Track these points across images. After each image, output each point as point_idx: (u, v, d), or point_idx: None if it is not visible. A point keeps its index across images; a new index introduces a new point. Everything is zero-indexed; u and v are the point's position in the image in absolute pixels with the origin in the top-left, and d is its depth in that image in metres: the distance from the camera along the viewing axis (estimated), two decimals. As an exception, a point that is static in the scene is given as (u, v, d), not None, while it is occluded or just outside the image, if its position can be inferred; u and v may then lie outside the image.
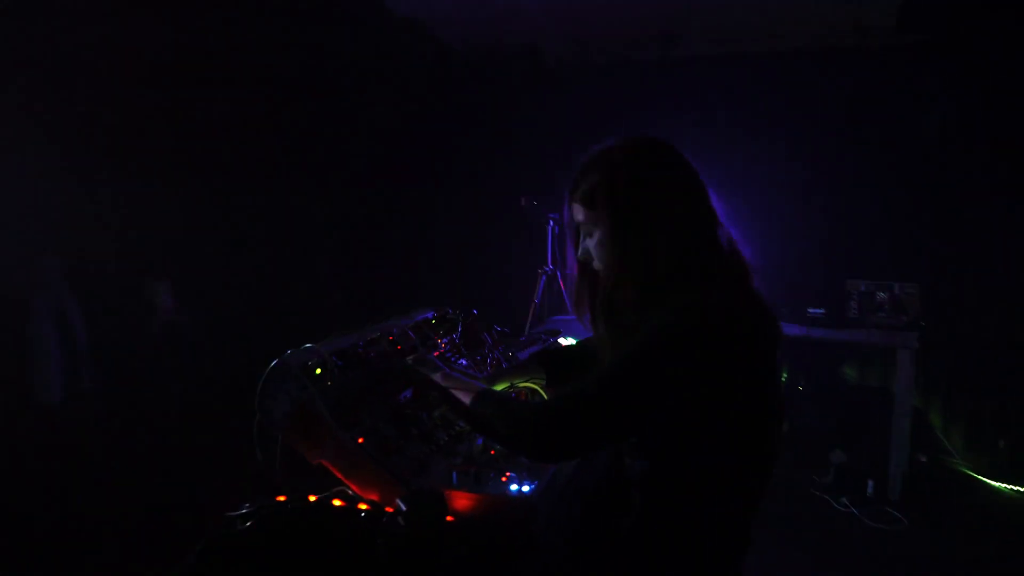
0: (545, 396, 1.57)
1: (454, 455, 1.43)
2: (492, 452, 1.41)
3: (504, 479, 1.28)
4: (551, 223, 3.51)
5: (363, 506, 1.28)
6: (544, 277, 3.50)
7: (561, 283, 3.55)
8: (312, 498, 1.30)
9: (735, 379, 1.17)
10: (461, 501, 1.23)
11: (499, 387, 1.61)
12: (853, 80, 4.35)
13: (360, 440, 1.30)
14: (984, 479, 4.15)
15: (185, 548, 1.43)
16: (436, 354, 1.66)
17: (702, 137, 4.03)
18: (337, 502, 1.29)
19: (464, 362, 1.71)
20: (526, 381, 1.59)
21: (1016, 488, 4.05)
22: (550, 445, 1.17)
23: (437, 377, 1.38)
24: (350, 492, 1.30)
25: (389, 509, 1.26)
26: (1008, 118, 4.01)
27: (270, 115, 3.76)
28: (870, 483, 3.82)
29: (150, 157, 3.26)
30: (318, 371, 1.35)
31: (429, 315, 1.81)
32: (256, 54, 3.59)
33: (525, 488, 1.25)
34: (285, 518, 1.22)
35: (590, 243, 1.36)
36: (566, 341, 2.42)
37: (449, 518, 1.21)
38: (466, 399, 1.33)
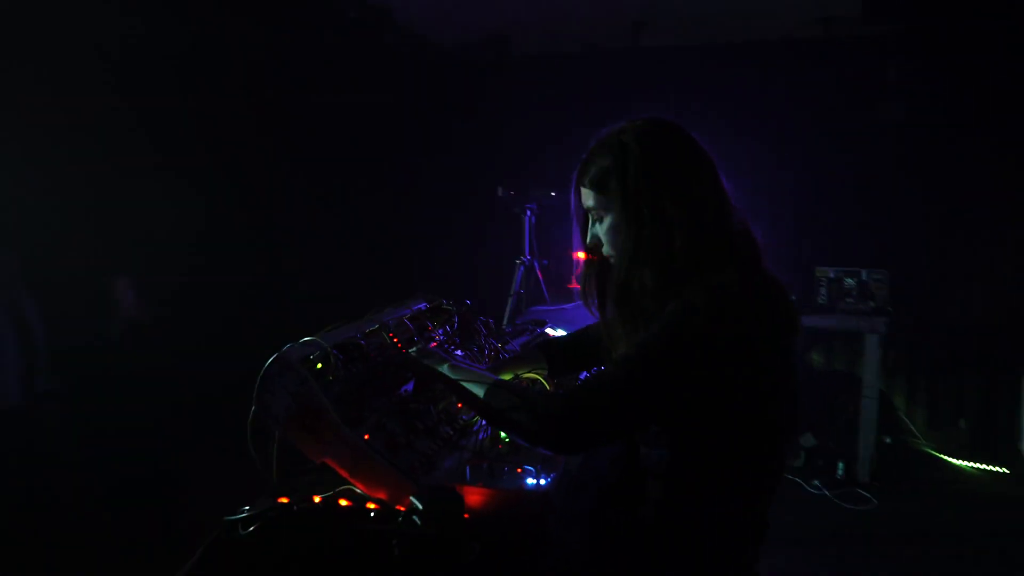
0: (548, 386, 1.54)
1: (461, 449, 1.39)
2: (500, 445, 1.37)
3: (519, 472, 1.24)
4: (528, 213, 3.48)
5: (371, 505, 1.22)
6: (522, 268, 3.47)
7: (539, 273, 3.52)
8: (317, 499, 1.24)
9: (759, 362, 1.15)
10: (475, 497, 1.19)
11: (503, 378, 1.58)
12: (820, 70, 4.42)
13: (367, 437, 1.24)
14: (946, 458, 4.29)
15: (174, 556, 1.36)
16: (432, 344, 1.61)
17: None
18: (344, 502, 1.23)
19: (460, 353, 1.66)
20: (529, 371, 1.55)
21: (976, 465, 4.19)
22: (577, 435, 1.14)
23: (444, 368, 1.33)
24: (357, 491, 1.24)
25: (400, 508, 1.21)
26: (971, 106, 4.13)
27: (235, 106, 3.63)
28: (840, 465, 3.91)
29: (110, 147, 3.11)
30: (319, 366, 1.29)
31: (423, 306, 1.76)
32: (223, 46, 3.46)
33: (541, 481, 1.22)
34: (291, 521, 1.16)
35: (600, 229, 1.33)
36: (553, 331, 2.39)
37: (465, 515, 1.16)
38: (474, 391, 1.28)
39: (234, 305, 3.70)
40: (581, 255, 4.92)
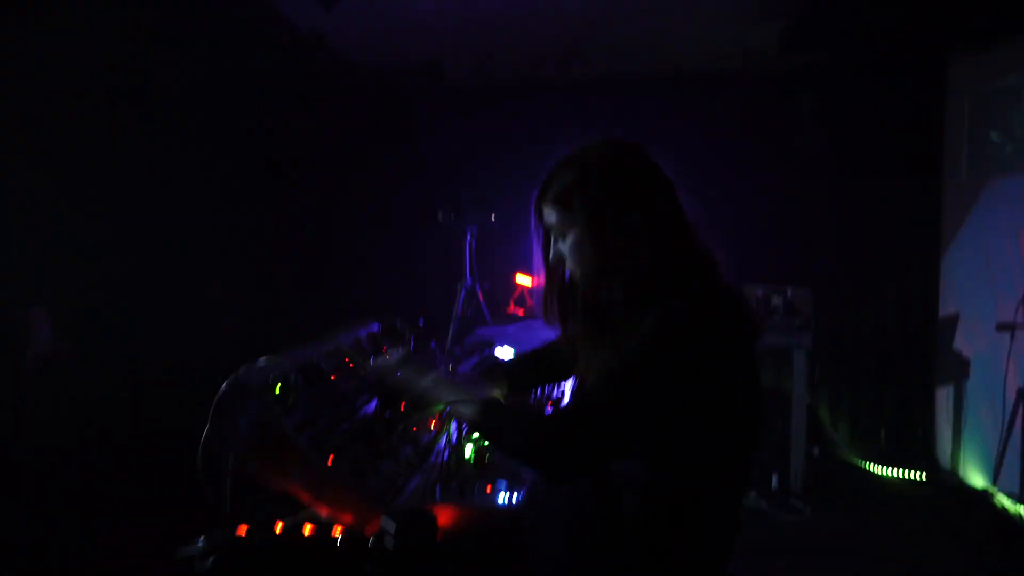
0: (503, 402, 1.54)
1: (426, 471, 1.36)
2: (464, 466, 1.35)
3: (488, 490, 1.22)
4: (468, 236, 3.48)
5: (337, 530, 1.18)
6: (464, 291, 3.46)
7: (480, 296, 3.52)
8: (279, 526, 1.18)
9: (734, 370, 1.18)
10: (447, 516, 1.16)
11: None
12: (743, 100, 4.64)
13: (330, 460, 1.20)
14: (869, 466, 4.49)
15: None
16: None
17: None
18: (308, 528, 1.18)
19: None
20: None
21: (896, 473, 4.41)
22: (574, 457, 1.12)
23: (429, 380, 1.31)
24: (322, 517, 1.20)
25: (368, 533, 1.18)
26: (880, 134, 4.44)
27: (163, 128, 3.50)
28: (774, 477, 4.04)
29: (21, 166, 2.93)
30: (278, 388, 1.24)
31: (375, 327, 1.72)
32: (151, 64, 3.34)
33: (512, 497, 1.20)
34: (255, 552, 1.10)
35: (562, 246, 1.35)
36: (500, 349, 2.40)
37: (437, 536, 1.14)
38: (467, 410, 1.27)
39: (163, 337, 3.53)
40: (520, 278, 4.93)
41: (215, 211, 3.76)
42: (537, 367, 1.67)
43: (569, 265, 1.35)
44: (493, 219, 3.50)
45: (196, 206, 3.67)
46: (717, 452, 1.20)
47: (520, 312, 4.48)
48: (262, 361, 1.28)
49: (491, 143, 4.67)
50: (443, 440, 1.51)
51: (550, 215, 1.35)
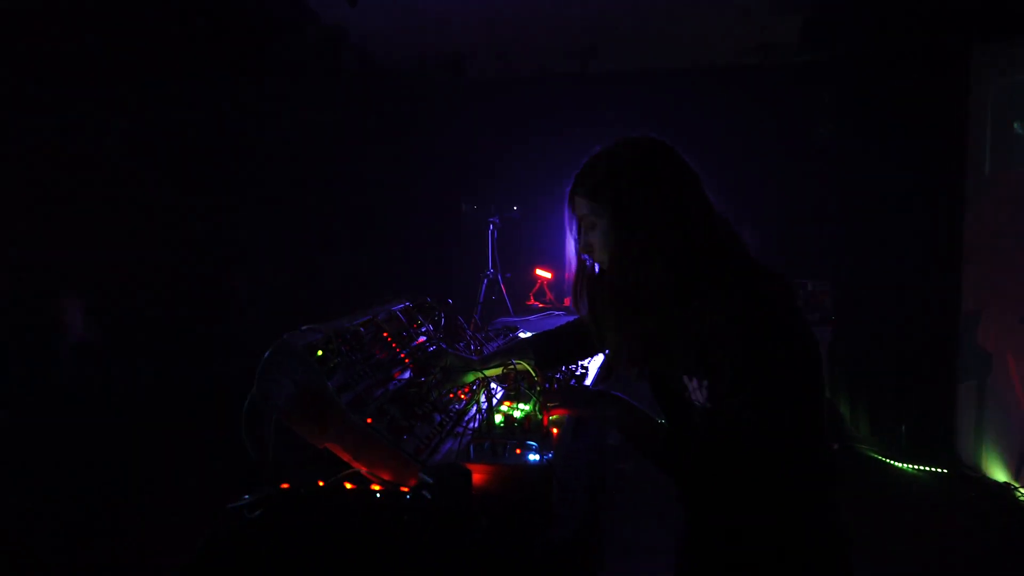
0: (535, 375, 1.59)
1: (458, 435, 1.41)
2: (494, 429, 1.40)
3: (518, 452, 1.27)
4: (491, 227, 3.53)
5: (376, 487, 1.24)
6: (486, 280, 3.51)
7: (503, 287, 3.57)
8: (320, 483, 1.24)
9: (809, 347, 1.26)
10: (480, 474, 1.22)
11: (492, 368, 1.62)
12: (763, 94, 4.66)
13: (369, 421, 1.26)
14: (890, 461, 4.48)
15: (173, 552, 1.34)
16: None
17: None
18: (348, 485, 1.24)
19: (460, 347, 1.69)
20: (518, 361, 1.60)
21: (917, 467, 4.40)
22: (751, 480, 1.23)
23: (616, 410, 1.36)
24: (360, 474, 1.25)
25: (404, 489, 1.23)
26: (901, 127, 4.43)
27: (192, 122, 3.59)
28: (794, 470, 4.05)
29: (52, 159, 3.02)
30: (319, 353, 1.30)
31: (407, 304, 1.78)
32: (177, 57, 3.43)
33: (538, 458, 1.25)
34: (298, 504, 1.16)
35: (592, 236, 1.40)
36: (524, 335, 2.45)
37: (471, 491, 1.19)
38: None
39: (189, 323, 3.61)
40: (540, 272, 4.97)
41: (248, 202, 3.84)
42: (563, 345, 1.72)
43: (598, 254, 1.41)
44: (515, 210, 3.55)
45: (230, 196, 3.75)
46: (810, 416, 1.28)
47: (540, 305, 4.53)
48: (305, 328, 1.34)
49: (513, 137, 4.73)
50: (473, 409, 1.57)
51: (582, 206, 1.41)
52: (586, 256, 1.46)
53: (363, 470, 1.26)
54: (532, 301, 4.62)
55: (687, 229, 1.32)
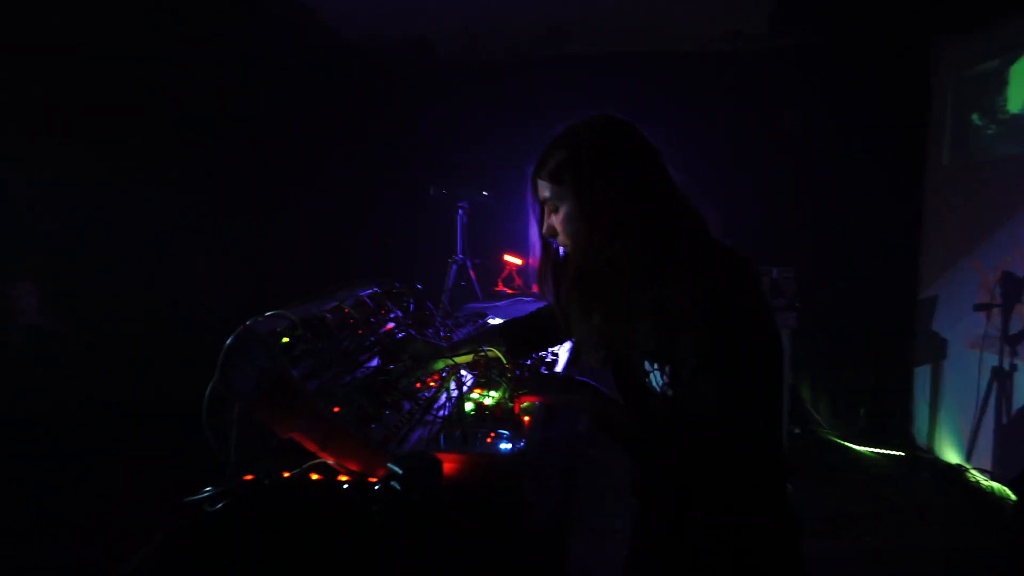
0: (505, 362, 1.58)
1: (427, 424, 1.39)
2: (464, 418, 1.37)
3: (490, 439, 1.26)
4: (460, 212, 3.49)
5: (343, 478, 1.20)
6: (455, 266, 3.47)
7: (471, 272, 3.54)
8: (285, 474, 1.21)
9: (769, 325, 1.27)
10: (451, 464, 1.19)
11: (462, 355, 1.60)
12: (731, 79, 4.68)
13: (336, 410, 1.23)
14: (849, 444, 4.59)
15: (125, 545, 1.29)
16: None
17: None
18: (315, 476, 1.21)
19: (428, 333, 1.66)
20: (489, 348, 1.58)
21: (875, 450, 4.51)
22: (727, 458, 1.22)
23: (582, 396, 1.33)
24: (327, 465, 1.22)
25: (372, 480, 1.20)
26: (865, 117, 4.50)
27: (150, 102, 3.46)
28: (757, 454, 4.12)
29: (9, 140, 2.90)
30: (285, 339, 1.26)
31: (375, 289, 1.74)
32: (142, 44, 3.30)
33: (510, 446, 1.24)
34: (263, 496, 1.12)
35: (555, 219, 1.38)
36: (496, 323, 2.43)
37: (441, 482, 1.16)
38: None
39: (147, 310, 3.51)
40: (509, 258, 4.92)
41: (200, 193, 3.74)
42: (533, 332, 1.70)
43: (561, 238, 1.39)
44: (484, 194, 3.51)
45: (185, 178, 3.65)
46: (771, 401, 1.28)
47: (508, 291, 4.51)
48: (269, 314, 1.29)
49: (483, 120, 4.68)
50: (443, 397, 1.54)
51: (544, 189, 1.39)
52: (551, 240, 1.44)
53: (330, 460, 1.22)
54: (501, 287, 4.59)
55: (650, 208, 1.30)
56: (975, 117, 4.13)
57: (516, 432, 1.28)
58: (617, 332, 1.32)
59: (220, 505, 1.12)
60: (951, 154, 4.34)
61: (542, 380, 1.31)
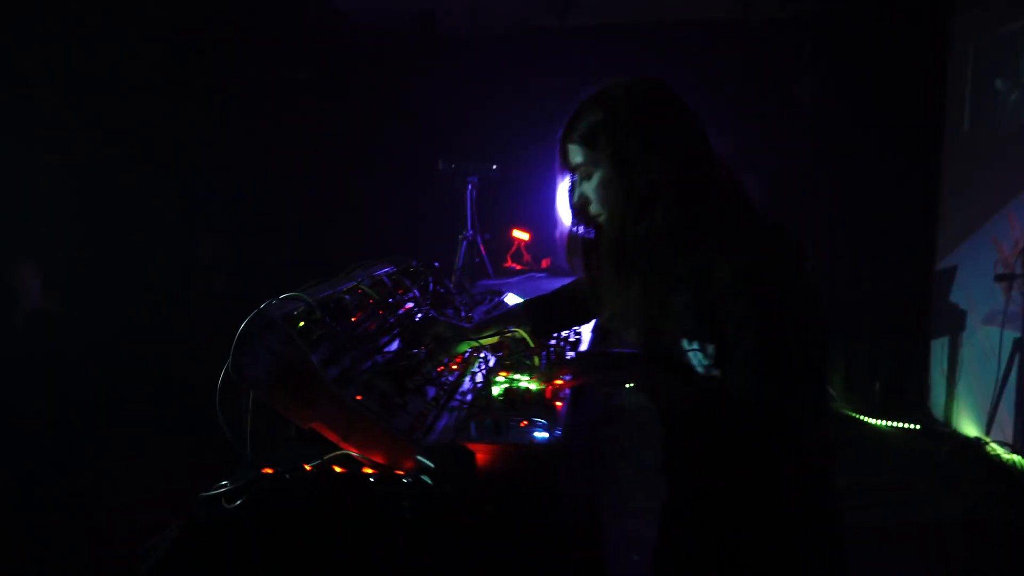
0: (531, 343, 1.50)
1: (452, 410, 1.31)
2: (492, 403, 1.30)
3: (523, 426, 1.18)
4: (470, 187, 3.39)
5: (368, 470, 1.13)
6: (465, 243, 3.38)
7: (482, 248, 3.45)
8: (307, 468, 1.13)
9: (820, 315, 1.21)
10: (483, 454, 1.12)
11: (487, 336, 1.52)
12: (742, 48, 4.55)
13: (359, 398, 1.15)
14: (864, 418, 4.54)
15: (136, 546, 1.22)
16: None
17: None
18: (338, 469, 1.13)
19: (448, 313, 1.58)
20: (515, 327, 1.51)
21: (891, 424, 4.46)
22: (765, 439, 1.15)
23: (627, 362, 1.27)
24: (352, 456, 1.15)
25: (399, 472, 1.13)
26: (882, 82, 4.37)
27: (151, 79, 3.36)
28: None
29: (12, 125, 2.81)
30: (302, 324, 1.18)
31: (390, 269, 1.66)
32: (137, 17, 3.19)
33: (547, 435, 1.16)
34: (285, 491, 1.05)
35: (587, 186, 1.30)
36: (512, 299, 2.35)
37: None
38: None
39: (150, 294, 3.43)
40: (517, 233, 4.83)
41: (210, 163, 3.64)
42: (558, 310, 1.63)
43: (594, 206, 1.30)
44: (495, 168, 3.41)
45: (190, 157, 3.56)
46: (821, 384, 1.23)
47: (518, 267, 4.42)
48: (284, 296, 1.21)
49: (488, 94, 4.57)
50: (467, 381, 1.46)
51: (575, 154, 1.30)
52: (581, 210, 1.35)
53: (353, 452, 1.15)
54: (509, 263, 4.51)
55: (691, 175, 1.22)
56: (998, 82, 4.01)
57: (549, 419, 1.21)
58: (656, 306, 1.24)
59: (239, 502, 1.04)
60: (972, 120, 4.22)
61: (589, 359, 1.20)
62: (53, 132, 2.97)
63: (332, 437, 1.16)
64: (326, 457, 1.18)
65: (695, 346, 1.24)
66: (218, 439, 1.26)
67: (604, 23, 4.84)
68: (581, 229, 1.38)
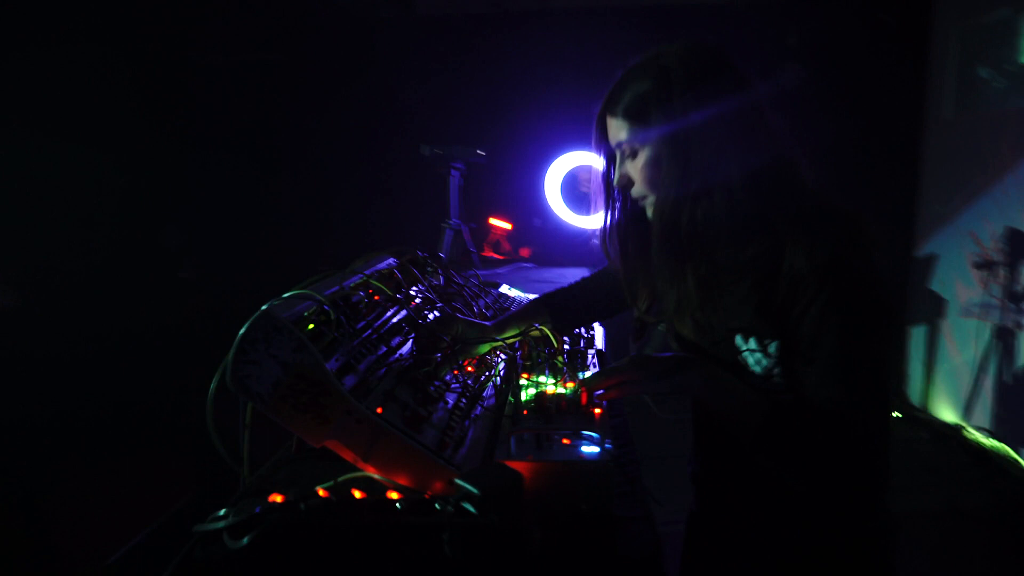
0: (555, 341, 1.36)
1: (478, 419, 1.16)
2: (524, 412, 1.16)
3: (567, 441, 1.04)
4: (455, 174, 3.22)
5: (393, 495, 0.98)
6: (450, 232, 3.21)
7: (468, 238, 3.29)
8: (322, 493, 0.97)
9: (893, 309, 1.08)
10: (526, 473, 0.97)
11: (510, 334, 1.37)
12: (726, 32, 4.46)
13: (379, 410, 0.99)
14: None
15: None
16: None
17: (579, 88, 3.96)
18: (358, 494, 0.98)
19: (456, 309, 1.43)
20: (535, 326, 1.37)
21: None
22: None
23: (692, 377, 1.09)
24: (374, 479, 0.99)
25: (427, 496, 0.98)
26: (867, 67, 4.33)
27: (119, 61, 3.11)
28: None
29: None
30: (311, 326, 1.01)
31: (392, 261, 1.49)
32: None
33: (597, 449, 1.02)
34: (304, 523, 0.89)
35: (631, 166, 1.16)
36: (510, 291, 2.21)
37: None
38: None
39: (113, 288, 3.19)
40: (495, 222, 4.67)
41: (182, 151, 3.41)
42: (582, 305, 1.50)
43: (638, 187, 1.16)
44: (480, 154, 3.24)
45: (162, 145, 3.31)
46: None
47: (499, 257, 4.28)
48: (288, 295, 1.04)
49: (470, 78, 4.40)
50: (490, 387, 1.32)
51: (619, 130, 1.16)
52: (622, 192, 1.22)
53: (374, 474, 1.00)
54: (488, 252, 4.36)
55: (753, 153, 1.09)
56: (981, 70, 3.99)
57: (592, 429, 1.07)
58: (712, 298, 1.12)
59: (246, 540, 0.88)
60: (956, 108, 4.21)
61: (647, 363, 1.06)
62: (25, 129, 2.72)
63: (348, 456, 1.00)
64: (340, 479, 1.02)
65: (752, 344, 1.12)
66: (192, 439, 1.10)
67: (589, 6, 4.70)
68: (618, 215, 1.25)
